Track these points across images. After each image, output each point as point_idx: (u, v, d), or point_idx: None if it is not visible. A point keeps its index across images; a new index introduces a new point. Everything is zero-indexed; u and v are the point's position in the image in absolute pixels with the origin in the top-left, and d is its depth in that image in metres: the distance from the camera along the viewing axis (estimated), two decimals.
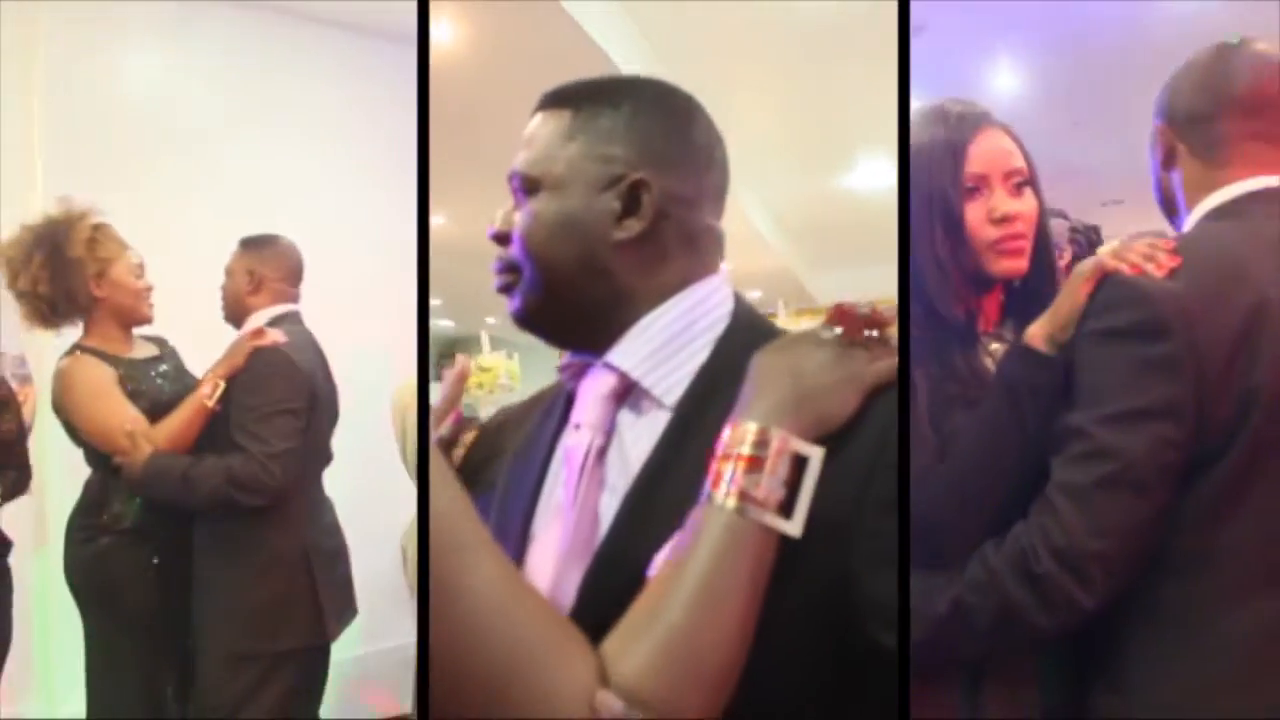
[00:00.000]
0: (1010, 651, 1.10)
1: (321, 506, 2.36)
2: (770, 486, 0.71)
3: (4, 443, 2.12)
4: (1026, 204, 1.18)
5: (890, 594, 0.70)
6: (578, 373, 0.89)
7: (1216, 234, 1.12)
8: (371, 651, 3.34)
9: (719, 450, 0.73)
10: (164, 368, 2.29)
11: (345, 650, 2.48)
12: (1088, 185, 5.23)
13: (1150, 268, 1.05)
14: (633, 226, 0.84)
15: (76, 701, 2.26)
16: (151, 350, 2.33)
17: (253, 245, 2.33)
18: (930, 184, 1.16)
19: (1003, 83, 4.24)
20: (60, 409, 2.16)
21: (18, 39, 2.94)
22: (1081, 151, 4.79)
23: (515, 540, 0.85)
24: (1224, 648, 1.02)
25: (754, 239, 6.72)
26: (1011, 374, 1.10)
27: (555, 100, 0.89)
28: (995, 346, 1.20)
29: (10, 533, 2.21)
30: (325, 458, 2.38)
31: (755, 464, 0.71)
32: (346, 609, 2.35)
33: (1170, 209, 1.23)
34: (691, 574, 0.69)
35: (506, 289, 0.88)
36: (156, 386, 2.22)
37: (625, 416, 0.84)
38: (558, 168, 0.86)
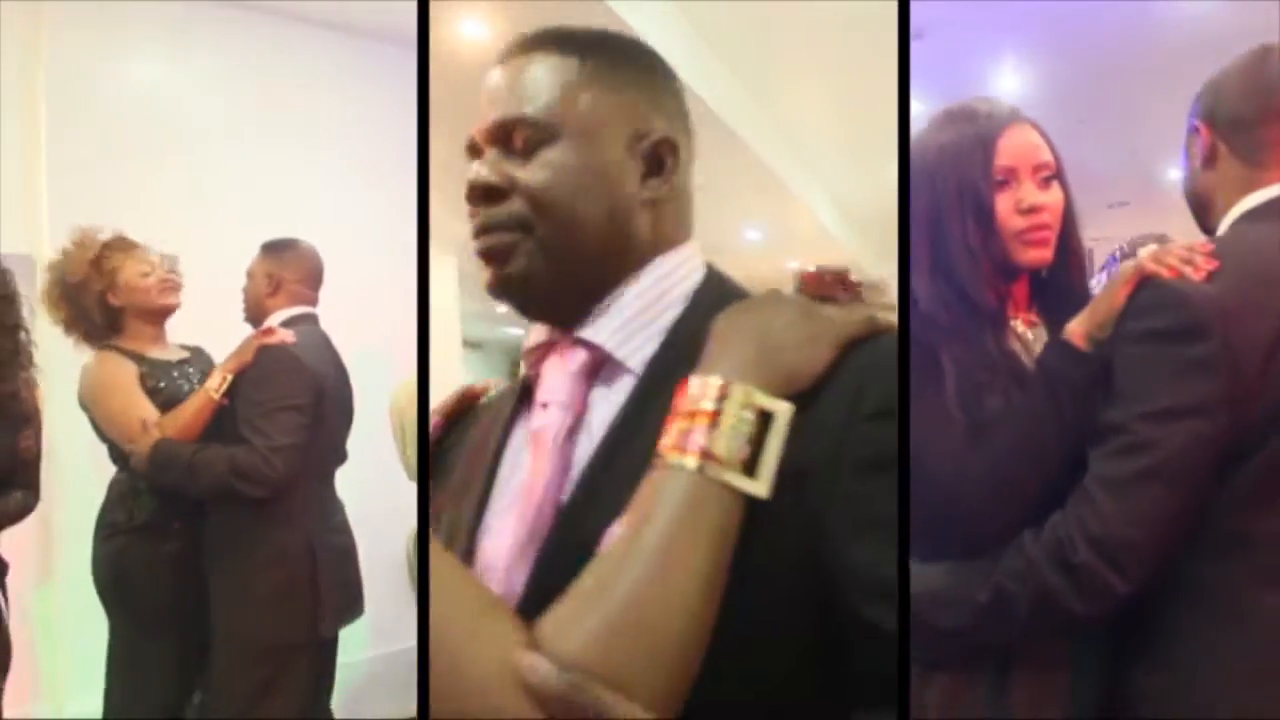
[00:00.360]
0: (1049, 636, 1.14)
1: (330, 504, 2.38)
2: (734, 444, 0.65)
3: (22, 461, 2.09)
4: (1053, 197, 1.21)
5: (871, 562, 0.64)
6: (542, 355, 0.83)
7: (1253, 237, 1.15)
8: (378, 655, 3.34)
9: (678, 407, 0.68)
10: (190, 370, 2.36)
11: (353, 654, 2.49)
12: (1093, 188, 5.22)
13: (1189, 271, 1.08)
14: (657, 188, 0.80)
15: (83, 703, 2.27)
16: (183, 354, 2.42)
17: (273, 249, 2.40)
18: (961, 176, 1.19)
19: (1007, 84, 4.23)
20: (83, 403, 2.27)
21: (20, 44, 2.94)
22: (1087, 154, 4.79)
23: (468, 531, 0.80)
24: (1266, 630, 1.05)
25: (820, 235, 6.65)
26: (1050, 368, 1.14)
27: (553, 45, 0.81)
28: (1022, 330, 1.24)
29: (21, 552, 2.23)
30: (336, 457, 2.41)
31: (717, 420, 0.66)
32: (350, 607, 2.36)
33: (1202, 208, 1.26)
34: (648, 540, 0.63)
35: (499, 253, 0.78)
36: (177, 385, 2.30)
37: (597, 393, 0.79)
38: (581, 115, 0.78)
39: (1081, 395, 1.10)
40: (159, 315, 2.36)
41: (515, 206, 0.77)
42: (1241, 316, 1.04)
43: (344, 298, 2.53)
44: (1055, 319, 1.23)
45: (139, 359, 2.29)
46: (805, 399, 0.68)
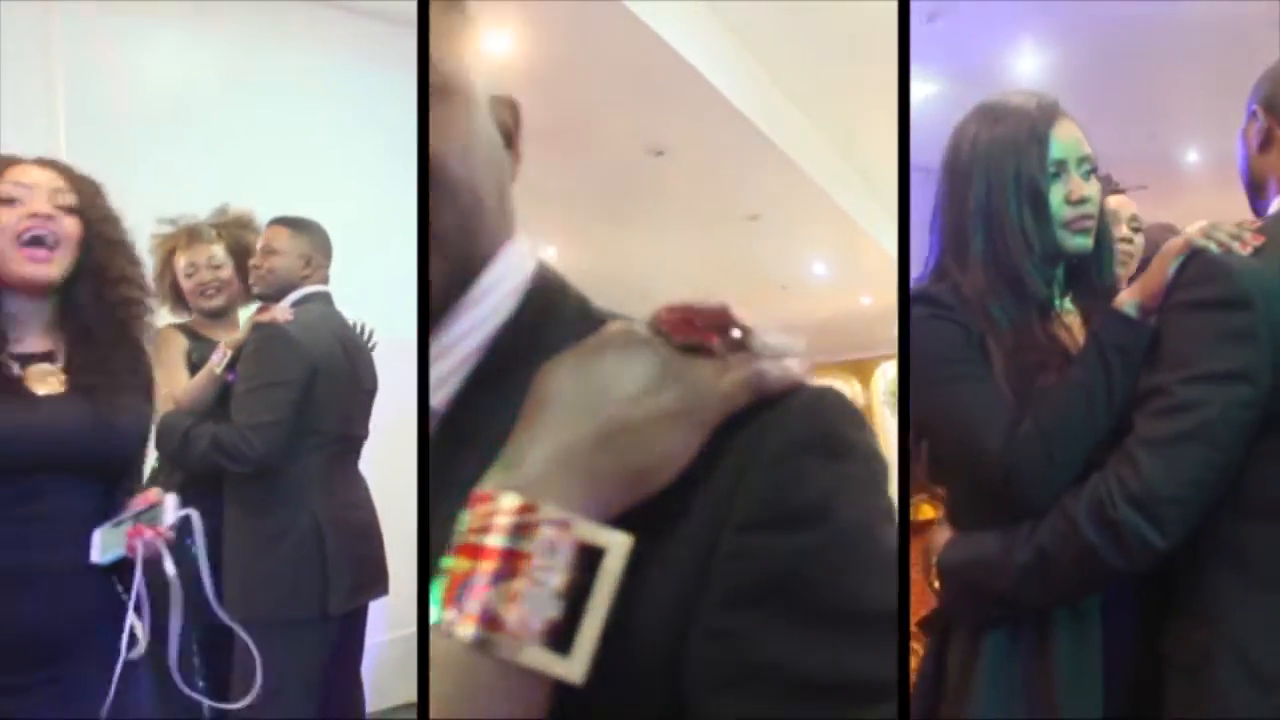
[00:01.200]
0: (1088, 592, 1.18)
1: (346, 482, 2.38)
2: (533, 605, 0.44)
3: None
4: (1094, 188, 1.28)
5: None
6: None
7: None
8: (395, 638, 3.36)
9: (456, 538, 0.46)
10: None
11: (368, 636, 2.51)
12: (1110, 171, 5.17)
13: (1236, 246, 1.14)
14: (514, 165, 0.61)
15: None
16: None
17: (303, 228, 2.39)
18: (1018, 167, 1.24)
19: (1024, 66, 4.19)
20: None
21: (35, 33, 2.96)
22: (1105, 137, 4.74)
23: None
24: None
25: (890, 268, 6.31)
26: (1102, 335, 1.19)
27: None
28: (1066, 318, 1.30)
29: None
30: (353, 434, 2.42)
31: (512, 564, 0.44)
32: (367, 585, 2.37)
33: (1256, 190, 1.31)
34: None
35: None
36: None
37: None
38: (456, 68, 0.56)
39: (1132, 363, 1.15)
40: (205, 312, 2.49)
41: None
42: None
43: (375, 279, 2.55)
44: (1088, 305, 1.29)
45: (193, 336, 2.44)
46: (659, 506, 0.49)
